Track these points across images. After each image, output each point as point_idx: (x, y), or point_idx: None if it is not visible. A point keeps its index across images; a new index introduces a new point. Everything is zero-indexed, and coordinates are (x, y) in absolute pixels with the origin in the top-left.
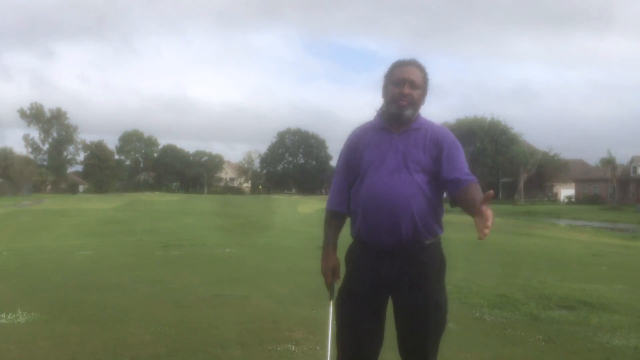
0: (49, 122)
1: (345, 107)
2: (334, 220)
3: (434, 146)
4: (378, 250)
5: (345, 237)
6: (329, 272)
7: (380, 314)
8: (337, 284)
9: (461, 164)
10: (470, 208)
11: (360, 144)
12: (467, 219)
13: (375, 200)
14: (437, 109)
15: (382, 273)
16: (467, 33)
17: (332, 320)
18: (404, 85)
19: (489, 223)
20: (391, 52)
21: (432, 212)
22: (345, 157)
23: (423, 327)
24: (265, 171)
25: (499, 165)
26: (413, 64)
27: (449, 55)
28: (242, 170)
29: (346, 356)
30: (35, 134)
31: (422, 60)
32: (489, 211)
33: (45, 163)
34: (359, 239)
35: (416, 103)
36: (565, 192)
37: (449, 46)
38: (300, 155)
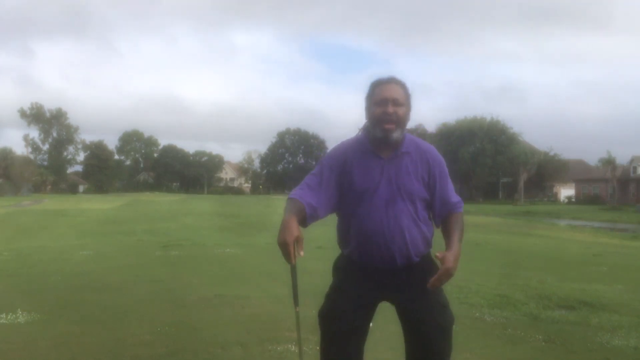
0: (49, 122)
1: (336, 106)
2: (298, 204)
3: (425, 172)
4: (369, 268)
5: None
6: (291, 241)
7: (367, 318)
8: (322, 289)
9: (450, 193)
10: (445, 240)
11: (347, 164)
12: (465, 219)
13: (371, 232)
14: (426, 109)
15: (373, 282)
16: (462, 31)
17: (299, 325)
18: (387, 105)
19: (440, 277)
20: (379, 50)
21: (424, 239)
22: (329, 170)
23: (430, 328)
24: (265, 171)
25: (499, 165)
26: (393, 81)
27: (440, 54)
28: (242, 170)
29: None
30: (35, 134)
31: (412, 58)
32: (446, 266)
33: (45, 163)
34: (349, 257)
35: (402, 122)
36: (565, 192)
37: (442, 45)
38: (300, 155)
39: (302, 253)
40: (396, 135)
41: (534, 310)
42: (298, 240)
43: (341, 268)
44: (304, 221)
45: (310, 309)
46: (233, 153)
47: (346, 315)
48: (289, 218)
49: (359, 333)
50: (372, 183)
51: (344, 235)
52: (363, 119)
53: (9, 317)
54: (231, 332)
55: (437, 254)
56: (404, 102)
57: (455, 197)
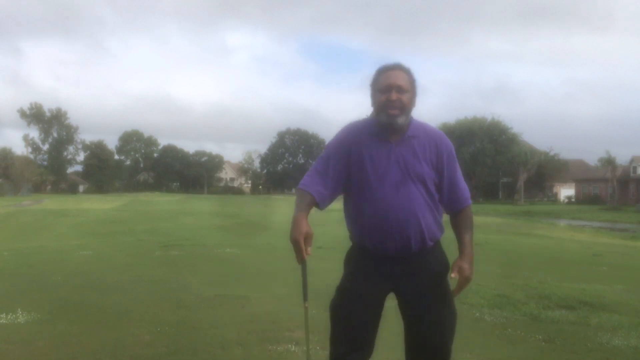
0: (49, 122)
1: (331, 105)
2: (307, 197)
3: (434, 155)
4: (381, 257)
5: (344, 238)
6: (301, 238)
7: (378, 310)
8: (337, 289)
9: (459, 180)
10: (457, 239)
11: (354, 146)
12: None
13: (384, 216)
14: (422, 108)
15: (384, 272)
16: (459, 30)
17: (309, 321)
18: (391, 92)
19: (461, 286)
20: (375, 49)
21: (436, 221)
22: (336, 153)
23: (431, 321)
24: (265, 171)
25: (499, 165)
26: (397, 67)
27: (436, 53)
28: (242, 170)
29: (339, 352)
30: (35, 134)
31: (408, 57)
32: (465, 275)
33: (45, 163)
34: (361, 245)
35: (407, 108)
36: (565, 192)
37: (438, 44)
38: (300, 155)
39: (309, 250)
40: (401, 120)
41: (534, 310)
42: (307, 237)
43: (352, 260)
44: (317, 207)
45: (311, 309)
46: (230, 153)
47: (357, 311)
48: (298, 215)
49: (370, 326)
50: (382, 167)
51: (355, 220)
52: (359, 118)
53: (9, 317)
54: (231, 332)
55: (452, 274)
56: (408, 88)
57: (462, 184)
